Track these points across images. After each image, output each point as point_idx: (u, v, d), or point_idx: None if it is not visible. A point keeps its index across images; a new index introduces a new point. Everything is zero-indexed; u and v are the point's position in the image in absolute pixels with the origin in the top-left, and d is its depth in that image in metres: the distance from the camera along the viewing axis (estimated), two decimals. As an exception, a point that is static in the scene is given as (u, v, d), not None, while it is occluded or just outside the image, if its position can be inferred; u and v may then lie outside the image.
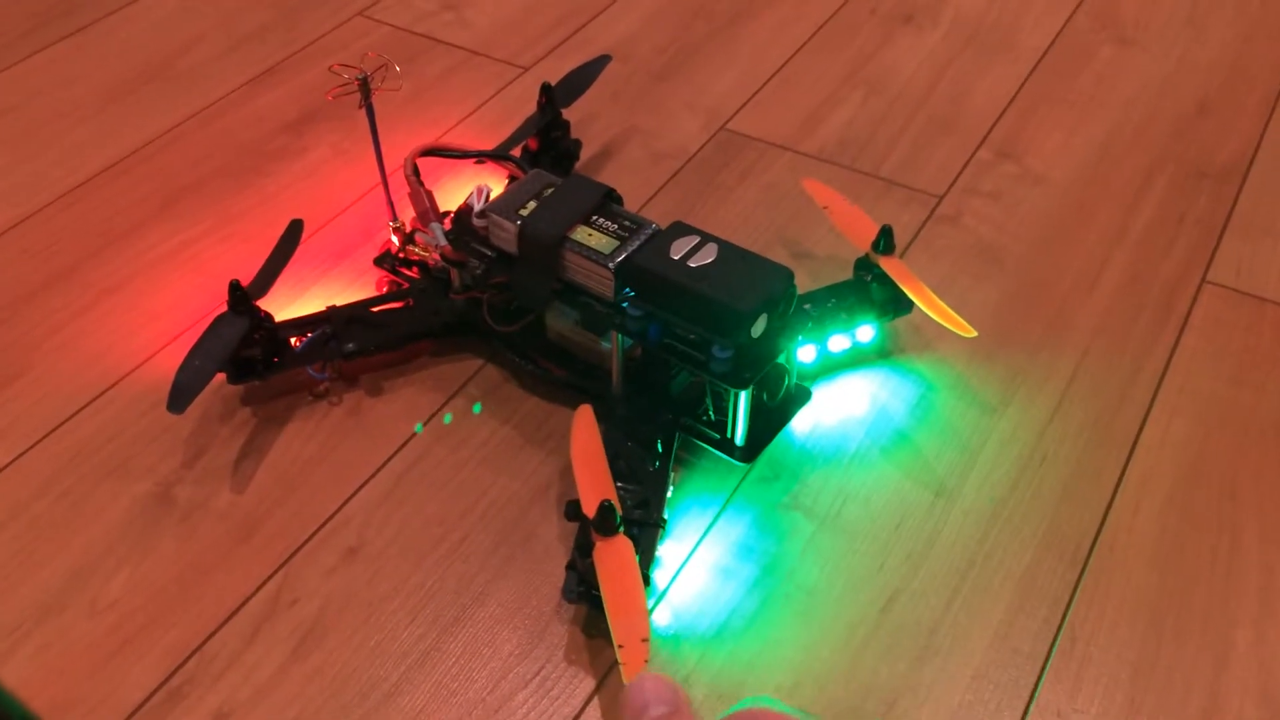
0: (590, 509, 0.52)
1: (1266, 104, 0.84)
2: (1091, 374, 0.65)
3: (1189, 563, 0.56)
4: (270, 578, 0.57)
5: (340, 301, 0.66)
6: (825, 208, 0.68)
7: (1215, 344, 0.67)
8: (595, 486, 0.53)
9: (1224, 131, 0.82)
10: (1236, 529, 0.58)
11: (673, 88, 0.87)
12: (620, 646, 0.47)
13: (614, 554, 0.51)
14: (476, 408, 0.60)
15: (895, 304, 0.65)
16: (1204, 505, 0.59)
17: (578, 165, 0.77)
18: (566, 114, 0.75)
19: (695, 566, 0.57)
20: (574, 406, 0.63)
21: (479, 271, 0.62)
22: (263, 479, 0.61)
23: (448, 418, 0.60)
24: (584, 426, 0.56)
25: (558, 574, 0.56)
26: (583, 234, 0.59)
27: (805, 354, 0.64)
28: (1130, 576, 0.56)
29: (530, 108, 0.75)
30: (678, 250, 0.56)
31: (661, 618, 0.55)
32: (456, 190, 0.75)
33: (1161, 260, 0.72)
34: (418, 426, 0.60)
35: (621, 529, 0.51)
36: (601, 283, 0.58)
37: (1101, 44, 0.90)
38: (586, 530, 0.52)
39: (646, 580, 0.54)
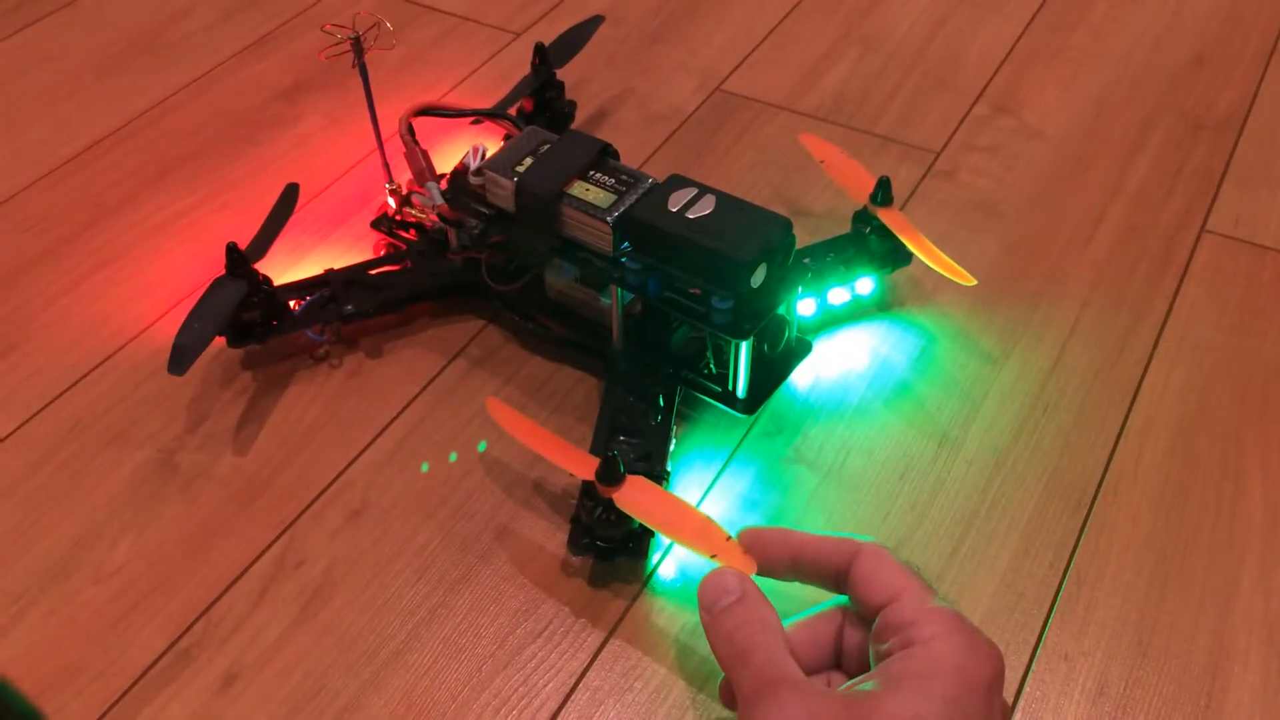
0: (583, 472, 0.51)
1: (1263, 54, 0.84)
2: (1092, 324, 0.65)
3: (1193, 507, 0.57)
4: (275, 540, 0.57)
5: (339, 265, 0.66)
6: (822, 161, 0.68)
7: (1216, 292, 0.67)
8: (563, 451, 0.52)
9: (1221, 82, 0.82)
10: (1240, 473, 0.58)
11: (667, 49, 0.86)
12: (714, 556, 0.46)
13: (636, 493, 0.50)
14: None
15: (894, 256, 0.64)
16: (1207, 451, 0.59)
17: (573, 127, 0.77)
18: (561, 77, 0.75)
19: (700, 520, 0.56)
20: (577, 364, 0.63)
21: (476, 230, 0.62)
22: (265, 443, 0.61)
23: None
24: (502, 413, 0.55)
25: (563, 528, 0.56)
26: (580, 189, 0.58)
27: (805, 307, 0.64)
28: (1135, 521, 0.56)
29: (523, 73, 0.74)
30: (675, 202, 0.56)
31: (667, 571, 0.55)
32: (452, 152, 0.74)
33: (1160, 211, 0.72)
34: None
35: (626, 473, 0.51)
36: (600, 237, 0.58)
37: (1096, -3, 0.90)
38: (590, 490, 0.52)
39: (651, 531, 0.54)
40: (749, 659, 0.41)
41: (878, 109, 0.80)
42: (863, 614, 0.43)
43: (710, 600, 0.43)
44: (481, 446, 0.60)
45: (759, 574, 0.46)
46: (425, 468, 0.59)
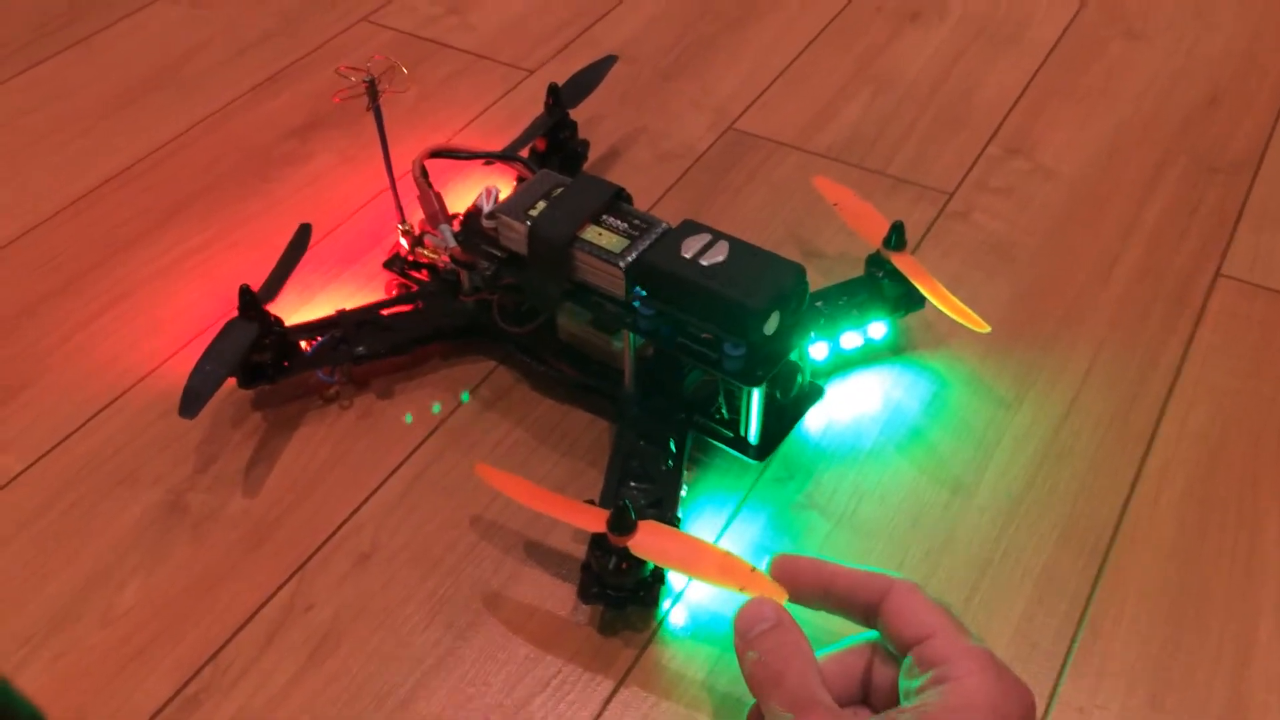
0: (592, 525, 0.51)
1: (1277, 95, 0.84)
2: (1106, 368, 0.65)
3: (1209, 555, 0.56)
4: (284, 584, 0.56)
5: (350, 305, 0.66)
6: (835, 205, 0.67)
7: (1231, 337, 0.66)
8: (568, 508, 0.53)
9: (1235, 124, 0.82)
10: (1257, 521, 0.57)
11: (679, 87, 0.86)
12: (743, 588, 0.46)
13: (651, 538, 0.50)
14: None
15: (907, 300, 0.64)
16: (1223, 498, 0.58)
17: (585, 166, 0.77)
18: (573, 115, 0.75)
19: (711, 567, 0.56)
20: (588, 407, 0.63)
21: (489, 273, 0.62)
22: (274, 485, 0.61)
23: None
24: (497, 477, 0.55)
25: (572, 576, 0.55)
26: (593, 233, 0.58)
27: (818, 351, 0.63)
28: (1150, 570, 0.55)
29: (537, 110, 0.74)
30: (689, 248, 0.56)
31: (678, 618, 0.54)
32: (465, 192, 0.74)
33: (1174, 253, 0.72)
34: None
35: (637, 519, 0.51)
36: (612, 282, 0.58)
37: (1110, 38, 0.90)
38: (602, 541, 0.51)
39: (662, 578, 0.53)
40: (782, 681, 0.42)
41: (891, 149, 0.80)
42: (895, 649, 0.43)
43: (746, 627, 0.44)
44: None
45: (790, 601, 0.46)
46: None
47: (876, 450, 0.61)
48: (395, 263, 0.70)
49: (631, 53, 0.89)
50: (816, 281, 0.62)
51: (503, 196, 0.63)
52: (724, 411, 0.59)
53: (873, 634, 0.44)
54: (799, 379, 0.60)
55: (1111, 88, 0.85)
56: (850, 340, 0.64)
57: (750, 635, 0.43)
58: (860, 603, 0.44)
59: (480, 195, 0.62)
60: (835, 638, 0.45)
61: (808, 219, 0.75)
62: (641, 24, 0.92)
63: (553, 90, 0.73)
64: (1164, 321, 0.67)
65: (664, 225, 0.59)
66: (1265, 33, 0.90)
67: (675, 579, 0.55)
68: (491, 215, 0.61)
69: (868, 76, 0.87)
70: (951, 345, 0.66)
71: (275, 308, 0.63)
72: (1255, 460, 0.60)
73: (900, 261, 0.63)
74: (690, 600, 0.55)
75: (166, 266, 0.73)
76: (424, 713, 0.51)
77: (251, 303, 0.60)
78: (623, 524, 0.50)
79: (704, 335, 0.56)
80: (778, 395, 0.59)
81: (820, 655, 0.44)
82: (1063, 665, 0.52)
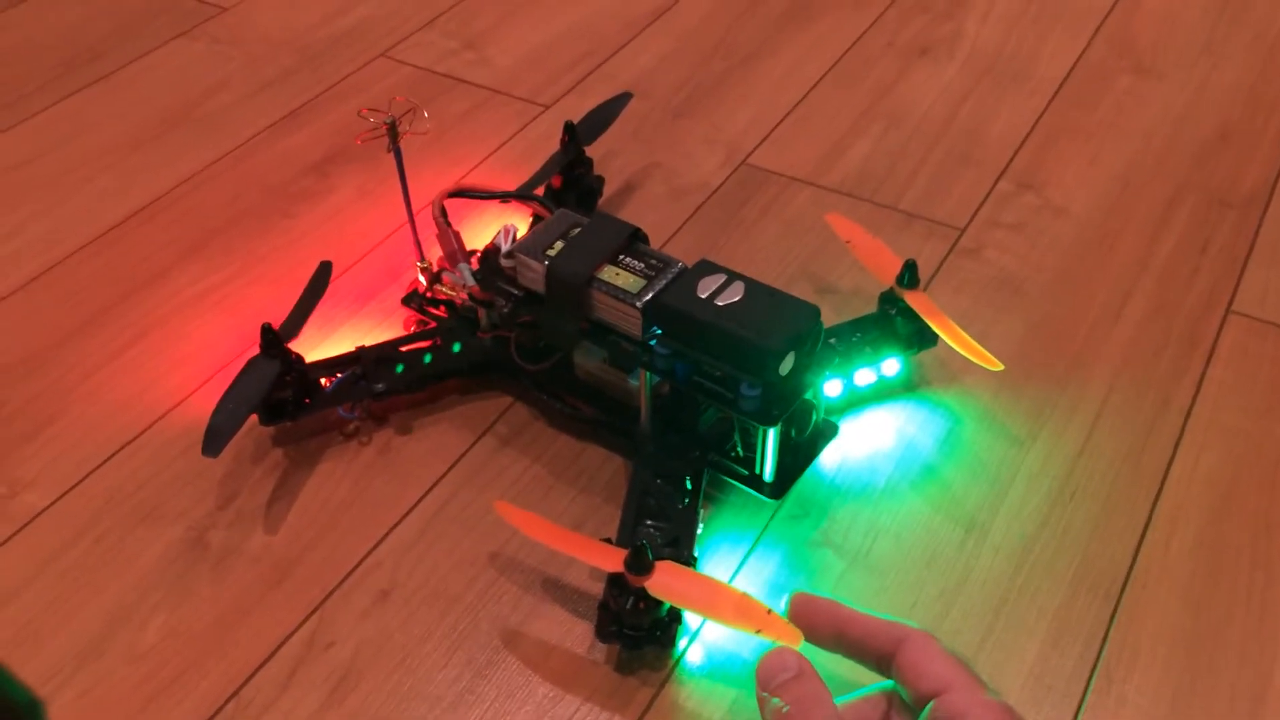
0: (610, 564, 0.51)
1: (1286, 131, 0.84)
2: (1119, 406, 0.65)
3: (1223, 598, 0.56)
4: (304, 621, 0.57)
5: (369, 341, 0.67)
6: (848, 242, 0.68)
7: (1243, 375, 0.67)
8: (585, 546, 0.53)
9: (1245, 159, 0.82)
10: (1271, 563, 0.58)
11: (692, 123, 0.87)
12: (759, 631, 0.47)
13: (668, 578, 0.50)
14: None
15: (920, 337, 0.65)
16: (1237, 539, 0.59)
17: (600, 202, 0.78)
18: (588, 151, 0.76)
19: (727, 605, 0.56)
20: (604, 444, 0.64)
21: (506, 310, 0.63)
22: (295, 521, 0.61)
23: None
24: (515, 515, 0.56)
25: (590, 614, 0.56)
26: (610, 273, 0.59)
27: (831, 388, 0.64)
28: (1164, 613, 0.56)
29: (552, 145, 0.75)
30: (705, 289, 0.57)
31: (695, 657, 0.55)
32: (482, 229, 0.75)
33: (1185, 290, 0.72)
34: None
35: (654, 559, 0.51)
36: (629, 321, 0.58)
37: (1119, 73, 0.91)
38: (619, 580, 0.52)
39: (679, 618, 0.54)
40: None
41: (902, 185, 0.81)
42: (911, 701, 0.43)
43: (768, 676, 0.44)
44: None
45: (805, 642, 0.46)
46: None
47: (891, 487, 0.62)
48: (414, 299, 0.71)
49: (645, 88, 0.90)
50: (830, 317, 0.63)
51: (520, 234, 0.63)
52: (739, 449, 0.60)
53: (889, 683, 0.45)
54: (814, 417, 0.61)
55: (1121, 124, 0.86)
56: (864, 377, 0.65)
57: (772, 685, 0.44)
58: (874, 650, 0.44)
59: (499, 234, 0.63)
60: (852, 686, 0.46)
61: (821, 255, 0.75)
62: (654, 60, 0.94)
63: (569, 128, 0.74)
64: (1176, 360, 0.68)
65: (680, 265, 0.59)
66: (1274, 69, 0.90)
67: (692, 618, 0.56)
68: (510, 254, 0.62)
69: (879, 112, 0.88)
70: (965, 382, 0.67)
71: (296, 344, 0.64)
72: (1269, 502, 0.60)
73: (913, 299, 0.63)
74: (707, 640, 0.55)
75: (188, 302, 0.74)
76: (443, 751, 0.52)
77: (273, 341, 0.61)
78: (640, 564, 0.50)
79: (719, 374, 0.57)
80: (793, 433, 0.60)
81: (837, 704, 0.44)
82: (1078, 709, 0.52)
